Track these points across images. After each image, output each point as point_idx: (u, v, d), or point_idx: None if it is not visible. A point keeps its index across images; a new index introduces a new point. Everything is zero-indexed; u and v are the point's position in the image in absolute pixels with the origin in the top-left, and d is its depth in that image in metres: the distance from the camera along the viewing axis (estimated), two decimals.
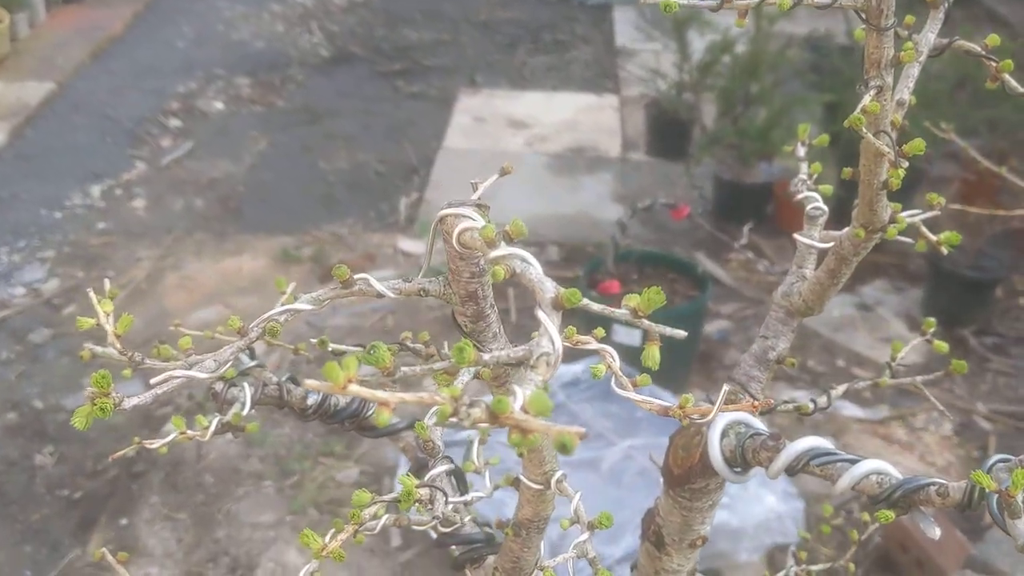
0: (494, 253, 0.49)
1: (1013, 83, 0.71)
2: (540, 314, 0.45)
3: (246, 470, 3.05)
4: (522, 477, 0.71)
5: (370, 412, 0.80)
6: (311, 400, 0.67)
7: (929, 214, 0.87)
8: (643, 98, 5.37)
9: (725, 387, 0.66)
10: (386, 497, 0.65)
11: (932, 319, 0.98)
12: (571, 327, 0.60)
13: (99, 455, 3.15)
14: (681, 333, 0.57)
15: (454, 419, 0.37)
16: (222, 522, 2.87)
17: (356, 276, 0.52)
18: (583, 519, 0.70)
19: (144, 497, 2.97)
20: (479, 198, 0.61)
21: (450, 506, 0.73)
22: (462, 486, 0.80)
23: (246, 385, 0.75)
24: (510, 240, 0.52)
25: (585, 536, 0.69)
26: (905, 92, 0.74)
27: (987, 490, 0.56)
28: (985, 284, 3.73)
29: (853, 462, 0.65)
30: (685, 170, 4.48)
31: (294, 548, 2.80)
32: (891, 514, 0.62)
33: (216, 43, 6.69)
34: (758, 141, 4.25)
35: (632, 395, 0.55)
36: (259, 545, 2.80)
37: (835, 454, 0.67)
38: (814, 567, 0.98)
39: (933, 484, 0.60)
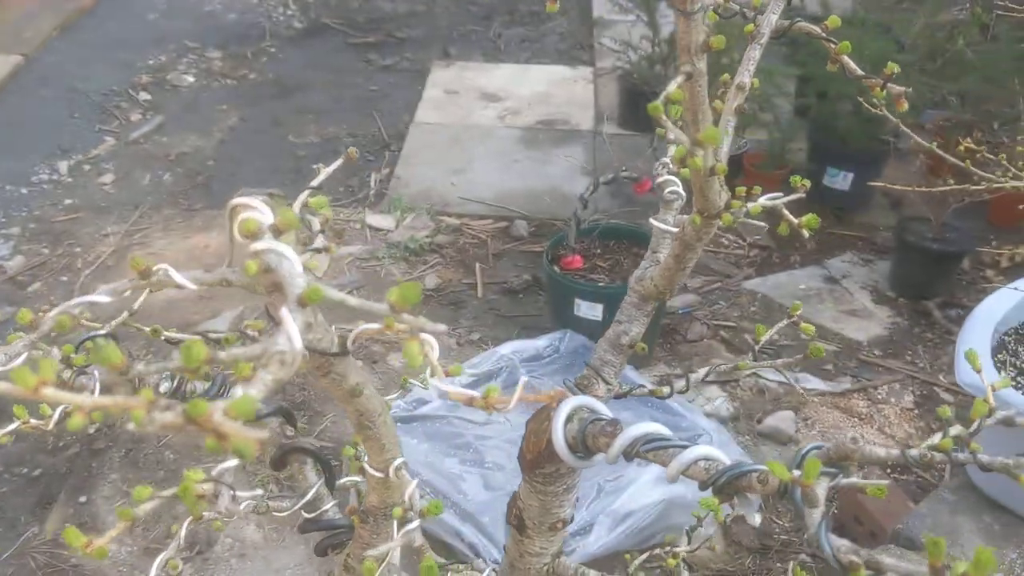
0: (252, 246, 0.48)
1: (852, 65, 0.70)
2: (283, 312, 0.44)
3: (207, 447, 3.05)
4: (365, 465, 0.71)
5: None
6: (164, 387, 0.66)
7: (791, 197, 0.86)
8: (616, 71, 5.33)
9: (565, 384, 0.65)
10: (165, 492, 0.65)
11: (799, 303, 0.97)
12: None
13: (59, 433, 3.14)
14: (441, 327, 0.56)
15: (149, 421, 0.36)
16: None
17: (156, 267, 0.51)
18: (416, 506, 0.69)
19: (104, 474, 2.96)
20: (269, 193, 0.59)
21: (311, 494, 0.73)
22: (328, 473, 0.79)
23: (96, 372, 0.74)
24: (278, 233, 0.51)
25: (415, 524, 0.69)
26: (746, 76, 0.73)
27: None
28: (949, 256, 3.73)
29: (684, 448, 0.65)
30: (650, 143, 4.46)
31: (253, 524, 2.81)
32: (715, 501, 0.61)
33: (188, 15, 6.62)
34: None
35: (445, 386, 0.54)
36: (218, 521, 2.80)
37: (668, 440, 0.67)
38: (680, 548, 0.98)
39: (755, 471, 0.60)
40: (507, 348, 3.23)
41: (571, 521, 0.85)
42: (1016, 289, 1.56)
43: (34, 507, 2.89)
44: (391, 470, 0.69)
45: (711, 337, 3.68)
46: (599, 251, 3.49)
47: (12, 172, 4.67)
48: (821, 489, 0.59)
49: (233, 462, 0.63)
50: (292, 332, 0.43)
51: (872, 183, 3.39)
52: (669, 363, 3.57)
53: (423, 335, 0.55)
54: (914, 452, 0.67)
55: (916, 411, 3.27)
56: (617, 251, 3.50)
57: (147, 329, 0.82)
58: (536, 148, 4.93)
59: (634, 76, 4.92)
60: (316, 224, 0.69)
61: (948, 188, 2.05)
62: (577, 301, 3.26)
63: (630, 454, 0.67)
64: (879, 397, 3.34)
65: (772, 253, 4.23)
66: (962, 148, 2.14)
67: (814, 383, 3.39)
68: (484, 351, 3.32)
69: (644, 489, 2.69)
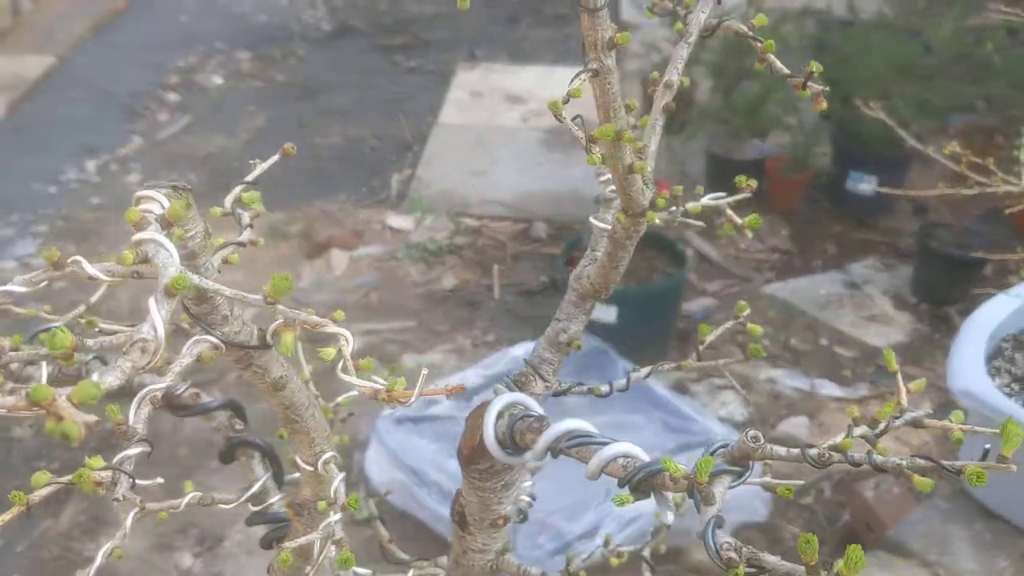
0: (134, 236, 0.49)
1: (778, 64, 0.69)
2: (151, 301, 0.45)
3: (220, 444, 3.08)
4: (296, 459, 0.71)
5: (180, 391, 0.81)
6: (146, 412, 0.67)
7: (736, 197, 0.85)
8: (641, 73, 5.31)
9: (499, 387, 0.65)
10: (63, 479, 0.65)
11: (744, 303, 0.96)
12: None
13: None
14: (335, 329, 0.55)
15: None
16: None
17: (69, 259, 0.51)
18: (339, 500, 0.70)
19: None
20: (179, 184, 0.60)
21: (260, 483, 0.74)
22: (276, 467, 0.80)
23: (43, 364, 0.76)
24: (168, 225, 0.52)
25: (336, 516, 0.69)
26: (674, 74, 0.72)
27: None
28: (971, 262, 3.68)
29: (604, 444, 0.65)
30: (666, 145, 4.45)
31: None
32: (629, 498, 0.61)
33: (218, 17, 6.69)
34: (748, 116, 4.20)
35: (352, 379, 0.54)
36: (228, 517, 2.83)
37: (591, 436, 0.67)
38: (626, 548, 0.97)
39: (666, 471, 0.60)
40: (519, 350, 3.23)
41: (516, 519, 0.85)
42: (1017, 296, 1.53)
43: (50, 500, 2.92)
44: (319, 464, 0.69)
45: (728, 340, 3.66)
46: None
47: (41, 171, 4.75)
48: (720, 488, 0.58)
49: (136, 450, 0.63)
50: (156, 321, 0.43)
51: (887, 188, 3.34)
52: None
53: (341, 330, 0.56)
54: (813, 451, 0.66)
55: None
56: (634, 253, 3.49)
57: (83, 321, 0.84)
58: (559, 150, 4.93)
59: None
60: (246, 218, 0.70)
61: (943, 192, 2.02)
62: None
63: (555, 450, 0.67)
64: None
65: (793, 257, 4.20)
66: (960, 154, 2.10)
67: (830, 389, 3.35)
68: (498, 352, 3.33)
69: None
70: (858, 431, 0.76)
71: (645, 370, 0.97)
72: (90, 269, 0.48)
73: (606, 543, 1.01)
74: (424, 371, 0.58)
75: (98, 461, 0.62)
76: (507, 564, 0.90)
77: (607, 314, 3.26)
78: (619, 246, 0.84)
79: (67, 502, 2.90)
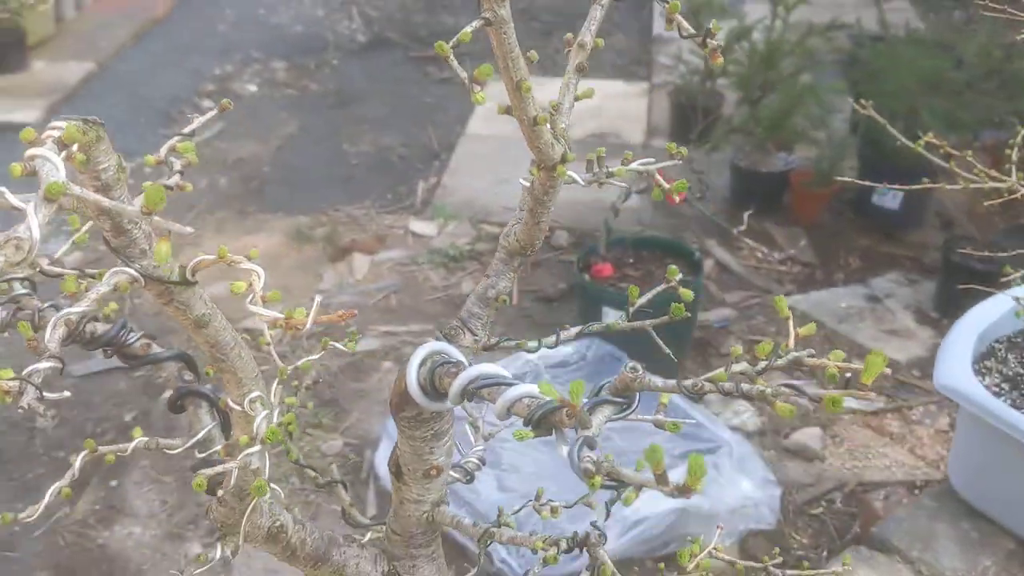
0: (28, 152, 0.52)
1: (685, 24, 0.71)
2: (29, 205, 0.48)
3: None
4: (226, 398, 0.74)
5: (131, 341, 0.84)
6: (60, 333, 0.70)
7: (664, 163, 0.87)
8: (668, 85, 5.34)
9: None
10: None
11: (680, 306, 0.98)
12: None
13: (99, 419, 3.26)
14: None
15: None
16: None
17: None
18: (260, 435, 0.72)
19: (135, 461, 3.06)
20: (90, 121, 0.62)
21: None
22: (222, 418, 0.83)
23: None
24: (63, 147, 0.54)
25: (255, 448, 0.71)
26: (587, 36, 0.75)
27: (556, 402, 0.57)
28: (995, 276, 3.63)
29: (511, 386, 0.67)
30: (688, 158, 4.45)
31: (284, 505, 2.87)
32: (530, 433, 0.63)
33: (256, 26, 6.82)
34: (773, 129, 4.20)
35: (258, 310, 0.57)
36: None
37: (501, 379, 0.69)
38: (559, 503, 0.98)
39: (563, 407, 0.61)
40: (533, 354, 3.25)
41: (464, 480, 0.87)
42: (1013, 297, 1.52)
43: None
44: (246, 403, 0.72)
45: (745, 351, 3.64)
46: (632, 261, 3.49)
47: None
48: (601, 416, 0.60)
49: (46, 364, 0.67)
50: (32, 222, 0.46)
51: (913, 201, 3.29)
52: (698, 374, 3.54)
53: (252, 266, 0.58)
54: (688, 383, 0.68)
55: (950, 433, 3.18)
56: (650, 261, 3.50)
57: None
58: (584, 161, 4.94)
59: (685, 91, 4.92)
60: (177, 165, 0.73)
61: (966, 187, 2.00)
62: (605, 309, 3.27)
63: (469, 393, 0.69)
64: (913, 418, 3.26)
65: (816, 270, 4.18)
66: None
67: (846, 401, 3.32)
68: (513, 356, 3.35)
69: (657, 496, 2.67)
70: (738, 367, 0.77)
71: (574, 329, 1.00)
72: (12, 200, 0.51)
73: (537, 496, 1.03)
74: (317, 298, 0.60)
75: (7, 372, 0.66)
76: (442, 516, 0.92)
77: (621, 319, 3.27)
78: (539, 202, 0.87)
79: (84, 491, 2.96)
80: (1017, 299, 1.50)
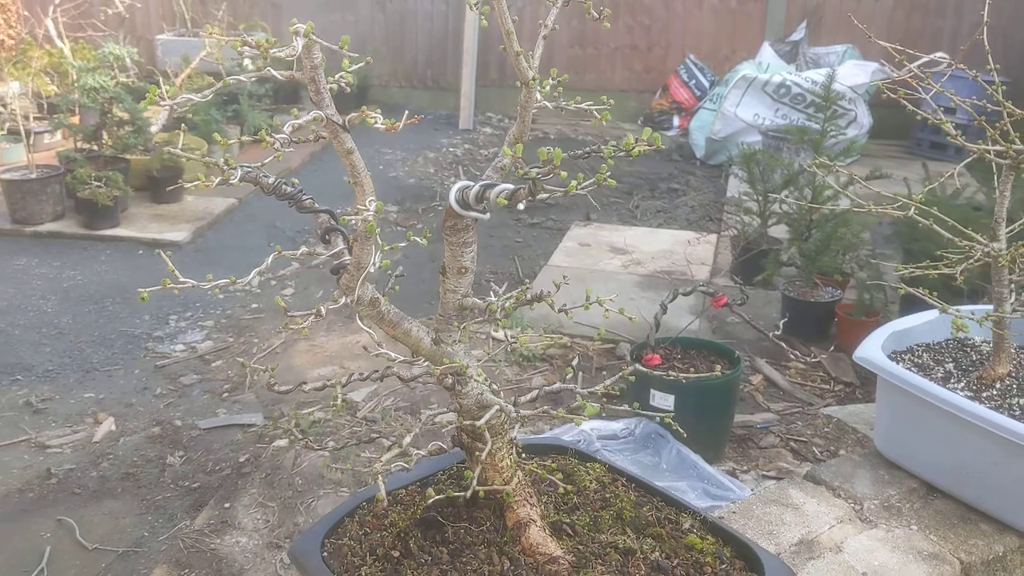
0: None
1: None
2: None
3: (329, 478, 3.69)
4: (349, 214, 1.34)
5: (303, 198, 1.45)
6: (276, 186, 1.32)
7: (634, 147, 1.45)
8: (730, 230, 5.95)
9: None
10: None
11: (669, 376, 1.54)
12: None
13: (218, 459, 3.87)
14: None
15: None
16: (302, 512, 3.50)
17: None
18: (370, 213, 1.31)
19: (246, 489, 3.64)
20: None
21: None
22: (349, 246, 1.42)
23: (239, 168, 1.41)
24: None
25: (371, 211, 1.30)
26: (544, 30, 1.35)
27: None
28: None
29: (470, 185, 1.25)
30: (735, 280, 4.99)
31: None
32: (505, 201, 1.19)
33: (375, 178, 7.62)
34: (813, 260, 4.74)
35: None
36: None
37: (473, 184, 1.27)
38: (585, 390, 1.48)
39: (494, 186, 1.18)
40: (588, 425, 3.75)
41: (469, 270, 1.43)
42: (956, 310, 1.93)
43: (189, 508, 3.58)
44: (368, 207, 1.31)
45: (781, 446, 4.06)
46: (679, 356, 4.01)
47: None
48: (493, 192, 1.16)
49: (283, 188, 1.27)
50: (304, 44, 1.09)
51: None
52: (738, 462, 3.97)
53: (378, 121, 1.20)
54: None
55: None
56: (696, 358, 4.01)
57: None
58: (651, 290, 5.55)
59: (746, 234, 5.52)
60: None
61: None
62: (652, 391, 3.77)
63: (462, 197, 1.28)
64: None
65: (856, 390, 4.59)
66: None
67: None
68: (568, 425, 3.85)
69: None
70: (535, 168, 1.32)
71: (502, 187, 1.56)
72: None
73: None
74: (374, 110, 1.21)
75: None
76: (468, 302, 1.48)
77: (665, 401, 3.77)
78: (524, 108, 1.40)
79: (202, 510, 3.54)
80: (957, 312, 1.94)
